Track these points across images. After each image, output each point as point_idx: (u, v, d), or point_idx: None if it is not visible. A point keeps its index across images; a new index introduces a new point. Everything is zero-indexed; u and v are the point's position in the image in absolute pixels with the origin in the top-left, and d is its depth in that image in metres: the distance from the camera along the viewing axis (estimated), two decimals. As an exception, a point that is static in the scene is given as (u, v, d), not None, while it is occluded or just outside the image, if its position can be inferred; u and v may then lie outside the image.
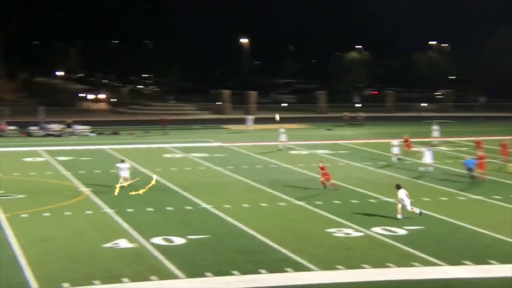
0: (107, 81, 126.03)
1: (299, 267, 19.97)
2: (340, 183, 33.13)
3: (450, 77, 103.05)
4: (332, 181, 31.18)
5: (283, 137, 45.62)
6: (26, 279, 18.49)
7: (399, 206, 25.46)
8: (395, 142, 40.29)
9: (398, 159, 39.81)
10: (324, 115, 74.73)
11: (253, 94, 76.48)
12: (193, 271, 19.38)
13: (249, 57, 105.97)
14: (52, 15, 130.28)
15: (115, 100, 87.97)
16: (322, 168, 31.23)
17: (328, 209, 27.48)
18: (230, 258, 20.73)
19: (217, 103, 78.97)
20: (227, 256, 20.88)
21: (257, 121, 66.00)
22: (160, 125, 55.43)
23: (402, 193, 25.38)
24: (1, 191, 30.08)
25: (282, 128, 46.36)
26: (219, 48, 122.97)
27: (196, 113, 75.41)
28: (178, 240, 22.44)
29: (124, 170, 30.90)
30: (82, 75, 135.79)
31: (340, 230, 24.10)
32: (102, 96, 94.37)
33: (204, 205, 28.01)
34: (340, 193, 30.70)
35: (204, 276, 19.06)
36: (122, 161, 32.18)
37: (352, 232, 23.94)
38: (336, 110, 75.14)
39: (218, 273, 19.29)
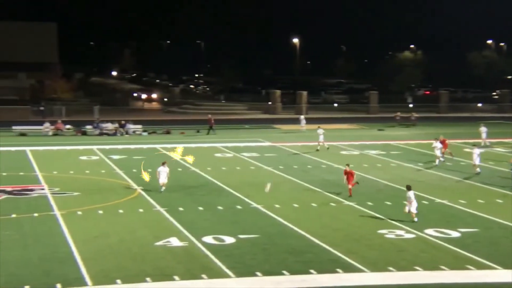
0: (159, 80, 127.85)
1: (350, 268, 19.83)
2: (392, 184, 32.80)
3: (507, 77, 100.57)
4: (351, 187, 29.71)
5: (321, 138, 44.79)
6: (81, 275, 18.89)
7: (407, 208, 25.00)
8: (437, 143, 39.03)
9: (443, 158, 39.02)
10: (375, 115, 73.98)
11: (304, 94, 76.31)
12: (243, 271, 19.45)
13: (300, 57, 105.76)
14: (107, 16, 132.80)
15: (167, 99, 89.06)
16: (348, 173, 29.49)
17: (380, 210, 27.19)
18: (280, 258, 20.72)
19: (268, 103, 79.11)
20: (277, 256, 20.88)
21: (307, 121, 65.83)
22: (208, 125, 55.65)
23: (411, 195, 24.96)
24: (57, 189, 30.82)
25: (321, 129, 45.48)
26: (270, 48, 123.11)
27: (246, 112, 75.70)
28: (229, 239, 22.56)
29: (163, 174, 29.58)
30: (135, 75, 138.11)
31: (391, 232, 23.81)
32: (154, 95, 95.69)
33: (254, 204, 28.08)
34: (391, 194, 30.34)
35: (254, 275, 19.11)
36: (163, 163, 30.09)
37: (404, 233, 23.63)
38: (388, 110, 74.30)
39: (268, 272, 19.31)
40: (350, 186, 29.42)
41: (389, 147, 47.18)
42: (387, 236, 23.34)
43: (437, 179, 34.47)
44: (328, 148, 44.59)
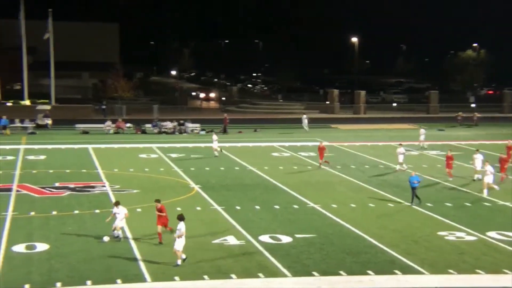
0: (217, 80, 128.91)
1: (408, 270, 19.52)
2: (452, 185, 32.11)
3: None
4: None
5: (215, 144, 41.09)
6: (141, 271, 19.19)
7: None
8: (401, 149, 36.31)
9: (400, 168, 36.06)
10: (436, 115, 72.67)
11: (362, 94, 75.61)
12: (300, 270, 19.40)
13: (359, 56, 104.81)
14: (167, 17, 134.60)
15: (225, 98, 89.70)
16: (160, 210, 22.34)
17: (439, 211, 26.67)
18: (337, 258, 20.58)
19: (326, 102, 78.70)
20: (334, 256, 20.74)
21: (365, 121, 65.34)
22: (223, 124, 55.52)
23: (182, 227, 19.76)
24: (117, 186, 31.43)
25: (215, 135, 42.35)
26: (329, 47, 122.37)
27: (304, 112, 75.39)
28: (285, 239, 22.54)
29: (120, 216, 22.29)
30: (194, 74, 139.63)
31: (451, 233, 23.33)
32: (212, 94, 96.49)
33: (311, 204, 27.98)
34: (452, 196, 29.72)
35: (311, 275, 19.03)
36: (117, 204, 22.78)
37: (465, 235, 23.11)
38: (449, 110, 72.86)
39: (325, 272, 19.20)
40: (159, 229, 22.12)
41: (449, 147, 46.18)
42: (447, 238, 22.88)
43: (499, 181, 33.52)
44: (216, 156, 40.57)
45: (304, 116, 56.97)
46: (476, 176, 33.62)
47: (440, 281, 18.69)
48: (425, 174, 35.02)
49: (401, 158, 36.25)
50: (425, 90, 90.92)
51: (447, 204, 28.09)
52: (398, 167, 36.18)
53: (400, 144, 37.66)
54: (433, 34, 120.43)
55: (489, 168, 30.29)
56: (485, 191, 29.95)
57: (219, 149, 41.62)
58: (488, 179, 30.12)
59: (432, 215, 26.15)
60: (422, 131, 47.33)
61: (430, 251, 21.33)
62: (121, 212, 22.35)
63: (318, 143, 41.12)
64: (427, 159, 40.79)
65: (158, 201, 22.63)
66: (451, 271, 19.41)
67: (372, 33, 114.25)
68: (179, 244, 19.54)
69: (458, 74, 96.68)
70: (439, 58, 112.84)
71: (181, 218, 20.05)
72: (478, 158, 33.91)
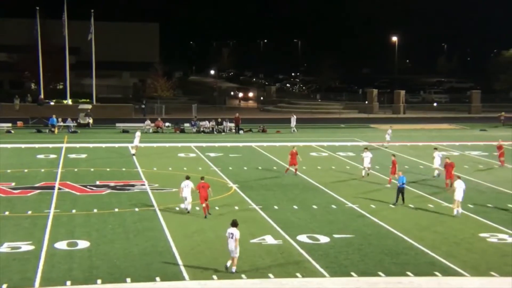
0: (255, 79, 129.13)
1: (449, 272, 19.24)
2: (493, 186, 31.56)
3: None
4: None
5: (136, 141, 40.91)
6: (179, 269, 19.32)
7: None
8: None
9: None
10: (478, 115, 71.49)
11: (401, 93, 74.83)
12: (338, 270, 19.29)
13: (400, 55, 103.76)
14: (206, 17, 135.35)
15: (263, 98, 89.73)
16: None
17: (481, 213, 26.23)
18: (376, 258, 20.40)
19: (365, 102, 78.14)
20: (373, 257, 20.57)
21: (405, 120, 64.62)
22: (234, 123, 55.39)
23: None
24: (156, 185, 31.72)
25: (139, 132, 42.21)
26: (368, 46, 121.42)
27: (342, 112, 75.06)
28: (323, 239, 22.45)
29: (187, 190, 25.92)
30: (233, 73, 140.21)
31: (494, 235, 22.93)
32: (251, 94, 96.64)
33: (349, 204, 27.81)
34: (494, 197, 29.19)
35: (349, 275, 18.91)
36: (187, 178, 26.51)
37: (508, 238, 22.69)
38: (491, 110, 71.63)
39: (364, 273, 19.05)
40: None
41: (491, 148, 45.36)
42: (489, 239, 22.49)
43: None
44: (133, 154, 40.22)
45: (294, 117, 56.22)
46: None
47: (482, 283, 18.37)
48: (468, 175, 34.44)
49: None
50: (467, 90, 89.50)
51: (489, 205, 27.59)
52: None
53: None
54: (475, 33, 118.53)
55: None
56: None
57: (136, 149, 40.35)
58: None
59: (474, 217, 25.72)
60: (389, 131, 46.97)
61: (472, 253, 20.99)
62: (188, 185, 25.76)
63: (290, 145, 40.13)
64: (470, 160, 40.10)
65: (202, 178, 25.99)
66: (493, 273, 19.07)
67: (413, 32, 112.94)
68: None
69: (502, 73, 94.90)
70: (482, 57, 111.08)
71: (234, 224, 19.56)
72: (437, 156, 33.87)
